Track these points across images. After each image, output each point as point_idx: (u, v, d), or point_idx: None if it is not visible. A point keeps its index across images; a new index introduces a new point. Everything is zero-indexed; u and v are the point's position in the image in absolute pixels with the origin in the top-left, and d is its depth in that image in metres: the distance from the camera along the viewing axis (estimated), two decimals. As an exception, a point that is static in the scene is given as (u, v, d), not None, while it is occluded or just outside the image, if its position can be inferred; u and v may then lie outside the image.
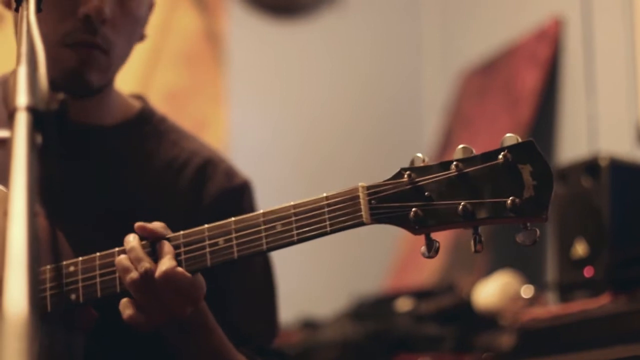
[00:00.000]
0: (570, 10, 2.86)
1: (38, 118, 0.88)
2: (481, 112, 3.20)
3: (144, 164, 1.56)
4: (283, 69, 3.52)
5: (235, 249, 1.28)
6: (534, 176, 1.14)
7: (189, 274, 1.29)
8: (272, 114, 3.49)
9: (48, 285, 1.32)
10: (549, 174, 1.14)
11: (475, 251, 1.18)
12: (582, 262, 2.15)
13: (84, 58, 1.44)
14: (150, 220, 1.34)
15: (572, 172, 2.23)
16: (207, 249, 1.29)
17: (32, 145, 0.86)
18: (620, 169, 2.17)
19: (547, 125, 2.89)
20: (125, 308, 1.29)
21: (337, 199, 1.23)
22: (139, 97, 1.65)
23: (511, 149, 1.16)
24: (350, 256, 3.37)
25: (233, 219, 1.29)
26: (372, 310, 2.72)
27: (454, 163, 1.18)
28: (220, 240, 1.29)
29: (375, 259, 3.35)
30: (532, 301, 2.29)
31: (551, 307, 2.24)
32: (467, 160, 1.18)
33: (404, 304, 2.65)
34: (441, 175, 1.18)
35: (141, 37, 1.56)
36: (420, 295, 2.68)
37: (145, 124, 1.60)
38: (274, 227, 1.26)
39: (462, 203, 1.17)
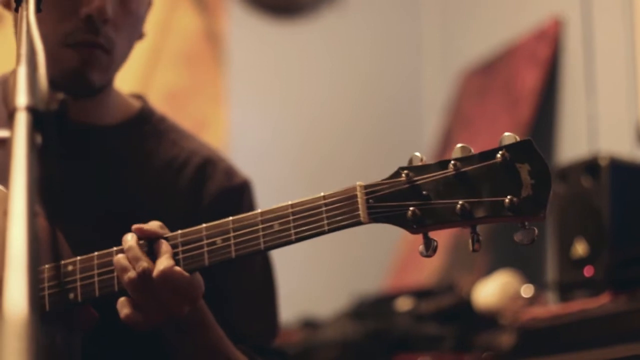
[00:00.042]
0: (570, 10, 2.86)
1: (38, 118, 0.88)
2: (481, 112, 3.20)
3: (143, 164, 1.56)
4: (283, 69, 3.52)
5: (233, 248, 1.28)
6: (532, 175, 1.14)
7: (186, 273, 1.28)
8: (272, 114, 3.49)
9: (46, 284, 1.33)
10: (547, 172, 1.14)
11: (473, 250, 1.18)
12: (582, 261, 2.15)
13: (85, 58, 1.45)
14: (150, 220, 1.34)
15: (572, 172, 2.23)
16: (205, 248, 1.29)
17: (32, 145, 0.86)
18: (620, 168, 2.17)
19: (547, 125, 2.89)
20: (123, 307, 1.29)
21: (334, 198, 1.23)
22: (139, 97, 1.65)
23: (509, 147, 1.16)
24: (350, 256, 3.37)
25: (231, 218, 1.29)
26: (372, 310, 2.72)
27: (452, 162, 1.17)
28: (218, 239, 1.29)
29: (375, 259, 3.35)
30: (532, 301, 2.29)
31: (551, 306, 2.25)
32: (465, 159, 1.17)
33: (404, 304, 2.65)
34: (439, 174, 1.18)
35: (140, 36, 1.56)
36: (420, 294, 2.68)
37: (145, 124, 1.60)
38: (271, 227, 1.26)
39: (460, 202, 1.16)
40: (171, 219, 1.36)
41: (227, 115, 3.40)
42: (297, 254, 2.98)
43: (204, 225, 1.30)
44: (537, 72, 2.92)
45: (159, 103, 1.71)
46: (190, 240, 1.30)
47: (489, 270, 2.59)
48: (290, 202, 1.25)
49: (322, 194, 1.24)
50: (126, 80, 1.65)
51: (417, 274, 3.08)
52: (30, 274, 0.77)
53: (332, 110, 3.54)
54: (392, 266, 3.28)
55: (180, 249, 1.30)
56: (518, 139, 1.16)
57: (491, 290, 2.35)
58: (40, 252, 0.83)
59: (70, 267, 1.34)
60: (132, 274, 1.28)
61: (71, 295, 1.34)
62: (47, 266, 1.32)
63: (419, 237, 1.22)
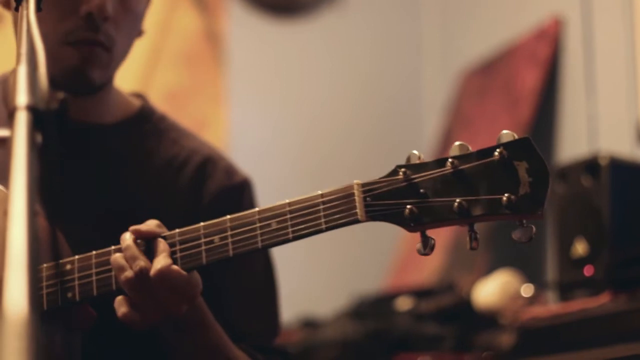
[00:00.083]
0: (570, 10, 2.86)
1: (38, 117, 0.88)
2: (481, 112, 3.20)
3: (144, 163, 1.56)
4: (283, 69, 3.52)
5: (230, 246, 1.28)
6: (529, 173, 1.14)
7: (184, 272, 1.28)
8: (272, 113, 3.49)
9: (44, 283, 1.33)
10: (545, 170, 1.14)
11: (471, 248, 1.19)
12: (582, 261, 2.15)
13: (86, 56, 1.45)
14: (150, 219, 1.34)
15: (572, 172, 2.23)
16: (203, 247, 1.29)
17: (32, 145, 0.85)
18: (620, 168, 2.17)
19: (547, 124, 2.89)
20: (120, 306, 1.29)
21: (332, 197, 1.23)
22: (139, 96, 1.65)
23: (507, 145, 1.15)
24: (350, 256, 3.37)
25: (228, 216, 1.29)
26: (372, 310, 2.72)
27: (450, 160, 1.17)
28: (216, 238, 1.29)
29: (375, 259, 3.35)
30: (532, 300, 2.29)
31: (551, 306, 2.24)
32: (462, 157, 1.17)
33: (404, 303, 2.65)
34: (436, 172, 1.18)
35: (140, 33, 1.56)
36: (420, 294, 2.68)
37: (145, 122, 1.60)
38: (269, 225, 1.26)
39: (458, 200, 1.16)
40: (171, 218, 1.36)
41: (227, 115, 3.40)
42: (297, 254, 2.98)
43: (201, 224, 1.30)
44: (537, 72, 2.92)
45: (159, 103, 1.71)
46: (188, 239, 1.30)
47: (488, 270, 2.59)
48: (287, 201, 1.25)
49: (319, 192, 1.24)
50: (126, 80, 1.66)
51: (417, 274, 3.08)
52: (30, 274, 0.77)
53: (332, 110, 3.54)
54: (392, 266, 3.28)
55: (177, 247, 1.30)
56: (516, 136, 1.16)
57: (491, 289, 2.35)
58: (40, 251, 0.83)
59: (68, 266, 1.34)
60: (129, 273, 1.28)
61: (69, 294, 1.33)
62: (45, 265, 1.33)
63: (418, 236, 1.22)
